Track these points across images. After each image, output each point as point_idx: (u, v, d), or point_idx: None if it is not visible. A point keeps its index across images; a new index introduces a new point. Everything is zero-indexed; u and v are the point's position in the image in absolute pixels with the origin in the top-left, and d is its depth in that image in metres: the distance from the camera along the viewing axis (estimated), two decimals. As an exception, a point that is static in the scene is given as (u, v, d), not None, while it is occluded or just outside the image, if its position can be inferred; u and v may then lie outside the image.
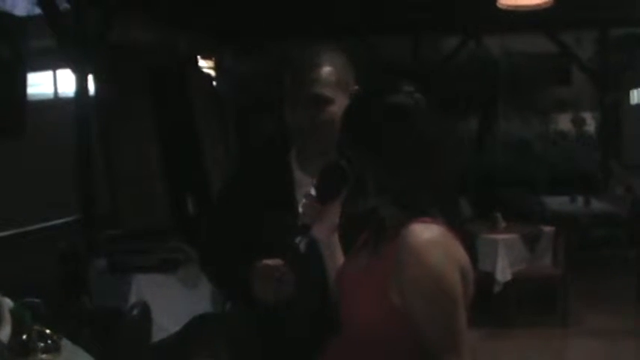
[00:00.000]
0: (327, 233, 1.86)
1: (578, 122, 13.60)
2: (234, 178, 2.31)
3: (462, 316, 1.59)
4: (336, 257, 1.86)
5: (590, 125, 13.27)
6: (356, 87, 2.10)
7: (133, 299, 4.74)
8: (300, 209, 1.87)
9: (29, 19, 6.17)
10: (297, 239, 1.85)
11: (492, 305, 6.18)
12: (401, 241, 1.58)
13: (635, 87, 14.87)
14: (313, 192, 1.87)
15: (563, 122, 14.21)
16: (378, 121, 1.65)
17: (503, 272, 6.17)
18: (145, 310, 3.71)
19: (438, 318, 1.57)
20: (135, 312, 3.63)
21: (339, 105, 2.02)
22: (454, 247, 1.61)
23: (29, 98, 8.18)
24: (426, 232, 1.58)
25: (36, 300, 2.99)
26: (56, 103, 8.77)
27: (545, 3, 5.00)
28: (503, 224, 6.67)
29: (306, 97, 2.04)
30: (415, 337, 1.58)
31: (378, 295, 1.60)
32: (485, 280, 5.84)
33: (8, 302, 2.86)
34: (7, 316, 2.80)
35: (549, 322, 6.45)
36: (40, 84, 9.49)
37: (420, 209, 1.62)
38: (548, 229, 6.64)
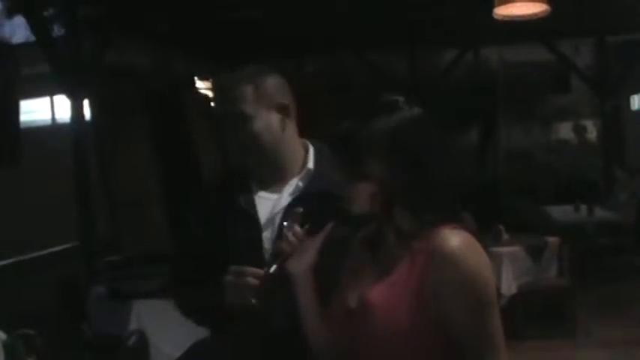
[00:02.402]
0: (302, 267, 1.83)
1: (580, 130, 13.55)
2: (200, 201, 2.31)
3: (498, 319, 1.59)
4: (307, 293, 1.82)
5: (592, 133, 13.21)
6: (285, 102, 2.12)
7: (133, 325, 4.68)
8: (287, 236, 1.86)
9: (27, 45, 6.14)
10: (272, 267, 1.85)
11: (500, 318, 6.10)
12: (432, 248, 1.56)
13: (635, 93, 14.82)
14: (298, 219, 1.86)
15: (564, 130, 14.16)
16: (404, 137, 1.64)
17: (508, 285, 6.10)
18: (143, 338, 3.65)
19: (477, 322, 1.56)
20: (132, 340, 3.57)
21: (261, 121, 2.07)
22: (482, 250, 1.60)
23: (26, 125, 8.20)
24: (457, 237, 1.57)
25: (30, 332, 2.94)
26: (53, 129, 8.74)
27: (542, 12, 4.95)
28: (506, 236, 6.60)
29: (227, 115, 2.09)
30: (452, 343, 1.56)
31: (412, 303, 1.58)
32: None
33: (1, 334, 2.82)
34: (0, 348, 2.75)
35: (557, 334, 6.36)
36: (38, 110, 9.47)
37: (440, 216, 1.62)
38: (552, 239, 6.57)
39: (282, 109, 2.11)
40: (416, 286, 1.57)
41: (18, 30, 6.92)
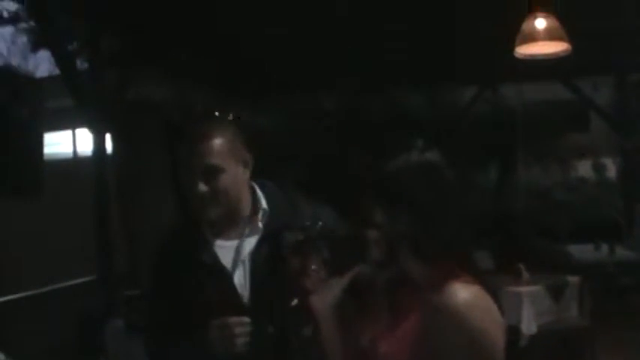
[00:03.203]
0: (326, 305, 1.84)
1: (599, 168, 13.46)
2: (158, 260, 2.32)
3: None
4: (330, 329, 1.82)
5: (611, 171, 13.13)
6: (247, 153, 2.19)
7: (150, 360, 4.64)
8: (310, 273, 1.88)
9: (50, 78, 6.22)
10: (294, 302, 1.89)
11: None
12: (440, 302, 1.54)
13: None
14: (317, 266, 1.88)
15: (583, 168, 14.07)
16: (416, 181, 1.63)
17: (528, 325, 6.02)
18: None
19: None
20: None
21: (231, 174, 2.13)
22: (493, 307, 1.57)
23: (49, 157, 8.26)
24: (466, 293, 1.54)
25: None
26: (75, 162, 8.80)
27: (564, 51, 4.95)
28: (526, 275, 6.53)
29: (200, 167, 2.10)
30: None
31: (420, 357, 1.56)
32: (510, 333, 5.70)
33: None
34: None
35: (578, 376, 6.27)
36: (60, 143, 9.55)
37: (449, 265, 1.58)
38: (573, 278, 6.49)
39: (247, 163, 2.18)
40: (422, 340, 1.56)
41: (42, 63, 7.01)
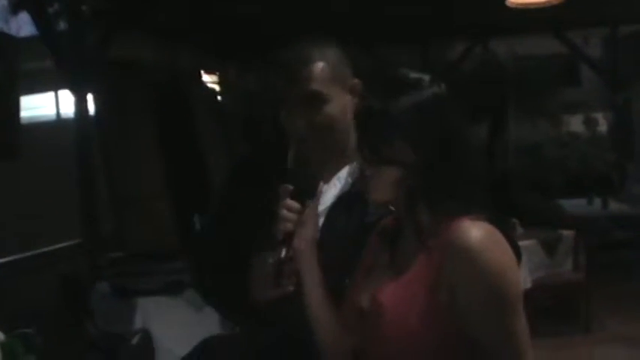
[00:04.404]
0: (306, 243, 1.67)
1: (591, 123, 13.38)
2: (230, 190, 2.17)
3: (524, 321, 1.43)
4: (313, 272, 1.67)
5: (603, 125, 13.06)
6: (356, 80, 1.90)
7: (138, 323, 4.58)
8: (284, 214, 1.68)
9: (33, 40, 6.07)
10: (283, 252, 1.67)
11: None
12: (450, 240, 1.40)
13: (647, 85, 14.66)
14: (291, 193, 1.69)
15: (575, 124, 13.98)
16: (435, 115, 1.49)
17: (523, 280, 5.95)
18: (147, 336, 3.54)
19: (500, 324, 1.40)
20: (136, 338, 3.47)
21: (336, 104, 1.85)
22: (507, 244, 1.44)
23: (30, 120, 8.11)
24: (478, 228, 1.41)
25: (29, 331, 2.83)
26: (58, 124, 8.65)
27: (556, 0, 4.84)
28: (520, 230, 6.46)
29: (300, 96, 1.85)
30: (470, 346, 1.41)
31: (428, 304, 1.43)
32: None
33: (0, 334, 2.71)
34: (-2, 349, 2.65)
35: (572, 330, 6.26)
36: (43, 106, 9.38)
37: (464, 207, 1.45)
38: (567, 233, 6.45)
39: (353, 90, 1.90)
40: (431, 285, 1.42)
41: (24, 26, 6.83)
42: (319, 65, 1.86)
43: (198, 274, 2.03)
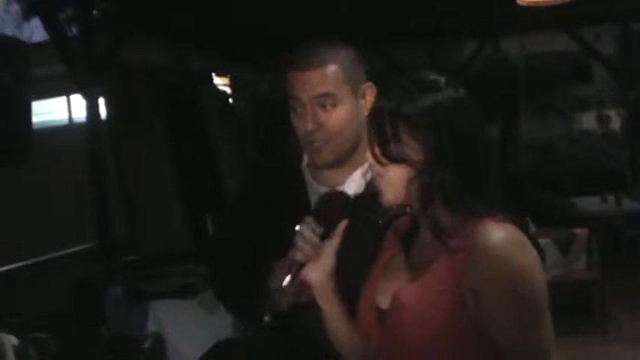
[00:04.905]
0: (320, 275, 1.63)
1: (604, 120, 13.31)
2: (246, 193, 2.14)
3: (550, 326, 1.42)
4: (329, 301, 1.64)
5: (616, 122, 12.99)
6: (368, 83, 1.88)
7: (151, 327, 4.59)
8: (297, 242, 1.62)
9: (45, 45, 6.10)
10: (285, 281, 1.63)
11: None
12: (473, 242, 1.39)
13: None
14: (312, 222, 1.63)
15: (587, 121, 13.92)
16: (451, 116, 1.47)
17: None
18: (159, 340, 3.55)
19: (524, 328, 1.39)
20: (149, 342, 3.48)
21: (347, 106, 1.83)
22: (532, 247, 1.43)
23: (45, 125, 8.14)
24: (503, 231, 1.40)
25: (42, 335, 2.85)
26: (71, 128, 8.69)
27: (566, -3, 4.82)
28: (533, 229, 6.41)
29: (309, 99, 1.83)
30: (492, 349, 1.40)
31: (449, 305, 1.41)
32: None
33: (12, 339, 2.73)
34: (11, 354, 2.66)
35: (587, 329, 6.21)
36: (56, 110, 9.42)
37: (484, 208, 1.44)
38: (580, 231, 6.40)
39: (365, 93, 1.88)
40: (453, 286, 1.41)
41: (36, 32, 6.86)
42: (331, 68, 1.84)
43: (214, 276, 2.03)
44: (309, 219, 1.64)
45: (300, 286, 1.67)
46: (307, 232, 1.62)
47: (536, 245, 1.47)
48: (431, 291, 1.45)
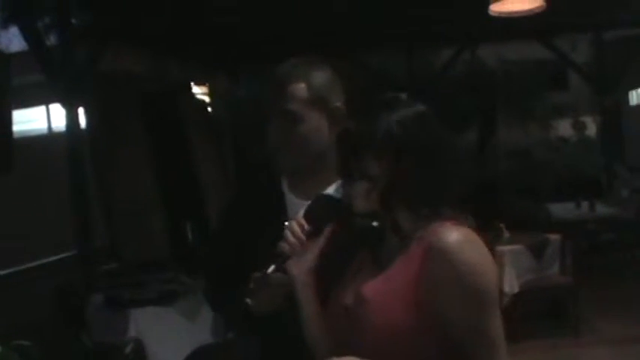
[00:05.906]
0: (303, 269, 1.73)
1: (579, 127, 13.48)
2: (229, 205, 2.23)
3: (499, 321, 1.53)
4: (307, 295, 1.74)
5: (591, 129, 13.16)
6: (337, 104, 1.98)
7: (131, 333, 4.62)
8: (287, 235, 1.73)
9: (24, 54, 6.12)
10: (270, 268, 1.73)
11: (501, 319, 6.04)
12: (430, 242, 1.52)
13: (634, 88, 14.76)
14: (303, 222, 1.74)
15: (564, 128, 14.09)
16: (399, 134, 1.59)
17: (510, 284, 6.03)
18: (140, 346, 3.60)
19: (475, 322, 1.51)
20: (129, 348, 3.53)
21: (311, 125, 1.94)
22: (485, 247, 1.54)
23: (24, 134, 8.14)
24: (457, 232, 1.52)
25: (25, 343, 2.90)
26: (50, 137, 8.70)
27: (538, 8, 4.91)
28: (507, 235, 6.53)
29: (277, 113, 1.95)
30: (449, 342, 1.51)
31: (407, 299, 1.53)
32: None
33: (-5, 347, 2.77)
34: (-6, 362, 2.71)
35: (561, 333, 6.31)
36: (35, 119, 9.43)
37: (440, 212, 1.57)
38: (554, 236, 6.51)
39: (333, 114, 1.97)
40: (411, 282, 1.53)
41: (14, 40, 6.87)
42: (299, 86, 1.94)
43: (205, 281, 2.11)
44: (300, 216, 1.75)
45: (283, 277, 1.75)
46: (296, 228, 1.73)
47: (490, 248, 1.59)
48: (390, 286, 1.56)
